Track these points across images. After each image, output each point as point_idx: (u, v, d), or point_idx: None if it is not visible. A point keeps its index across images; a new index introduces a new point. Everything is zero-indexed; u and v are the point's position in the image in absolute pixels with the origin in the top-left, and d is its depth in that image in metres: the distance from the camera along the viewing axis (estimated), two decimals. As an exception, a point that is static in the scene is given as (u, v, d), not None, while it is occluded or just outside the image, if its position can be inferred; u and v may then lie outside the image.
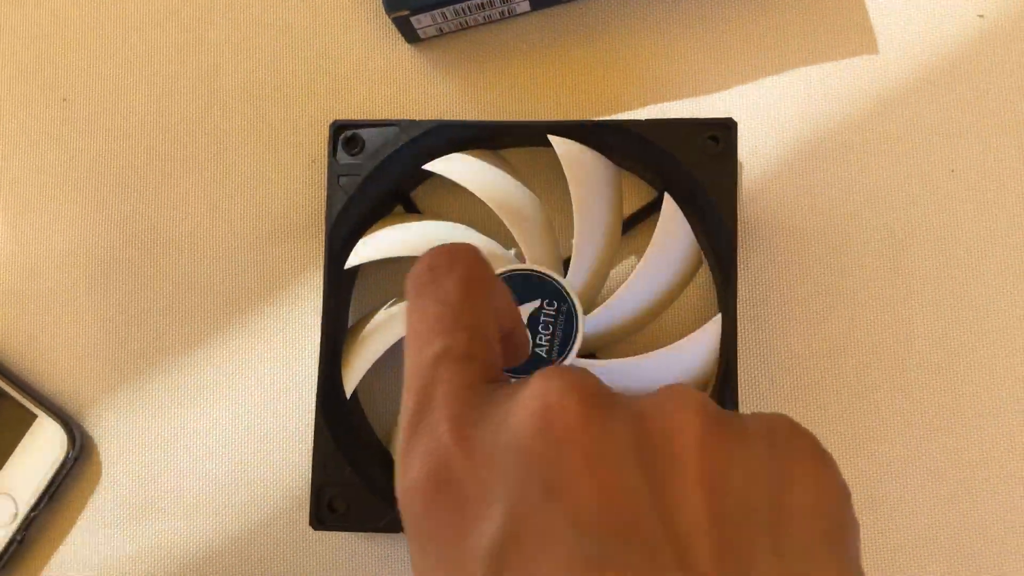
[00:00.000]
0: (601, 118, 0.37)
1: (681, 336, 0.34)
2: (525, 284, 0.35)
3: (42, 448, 0.37)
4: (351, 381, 0.35)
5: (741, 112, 0.38)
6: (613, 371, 0.34)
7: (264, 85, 0.39)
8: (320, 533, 0.37)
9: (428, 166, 0.36)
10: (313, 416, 0.35)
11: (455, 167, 0.36)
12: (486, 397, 0.21)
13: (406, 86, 0.39)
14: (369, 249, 0.36)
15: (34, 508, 0.37)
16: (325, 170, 0.38)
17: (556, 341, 0.34)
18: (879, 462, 0.36)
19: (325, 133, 0.37)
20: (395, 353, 0.34)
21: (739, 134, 0.35)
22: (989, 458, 0.36)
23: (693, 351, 0.34)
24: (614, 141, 0.36)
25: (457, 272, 0.24)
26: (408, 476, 0.21)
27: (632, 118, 0.37)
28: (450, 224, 0.36)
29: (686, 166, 0.35)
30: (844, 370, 0.37)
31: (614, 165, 0.36)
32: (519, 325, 0.26)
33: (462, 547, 0.19)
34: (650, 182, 0.37)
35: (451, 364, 0.22)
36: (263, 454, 0.38)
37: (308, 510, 0.34)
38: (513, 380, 0.23)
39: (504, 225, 0.35)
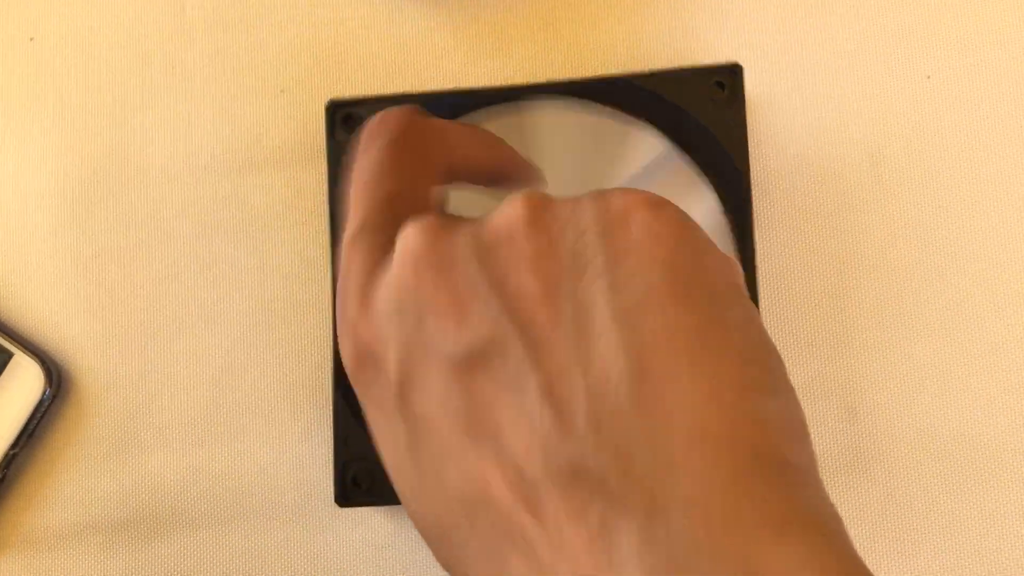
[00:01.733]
0: (599, 72, 0.36)
1: None
2: None
3: (19, 386, 0.37)
4: None
5: (734, 44, 0.37)
6: None
7: (230, 16, 0.39)
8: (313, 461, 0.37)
9: None
10: (329, 378, 0.35)
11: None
12: (387, 263, 0.23)
13: (376, 14, 0.38)
14: None
15: (13, 446, 0.37)
16: (298, 98, 0.37)
17: None
18: (859, 368, 0.36)
19: (293, 62, 0.37)
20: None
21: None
22: (974, 363, 0.36)
23: None
24: (616, 96, 0.35)
25: (382, 136, 0.24)
26: (343, 357, 0.23)
27: (629, 67, 0.36)
28: None
29: (693, 115, 0.34)
30: (827, 278, 0.36)
31: (616, 122, 0.35)
32: (505, 162, 0.27)
33: (385, 397, 0.21)
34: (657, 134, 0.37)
35: (361, 242, 0.23)
36: (250, 388, 0.37)
37: (332, 484, 0.34)
38: None
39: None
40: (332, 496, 0.37)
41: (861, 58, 0.37)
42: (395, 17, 0.38)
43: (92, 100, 0.39)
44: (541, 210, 0.20)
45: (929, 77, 0.37)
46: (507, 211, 0.21)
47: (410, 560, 0.36)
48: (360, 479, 0.34)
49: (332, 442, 0.36)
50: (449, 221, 0.22)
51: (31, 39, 0.39)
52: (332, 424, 0.34)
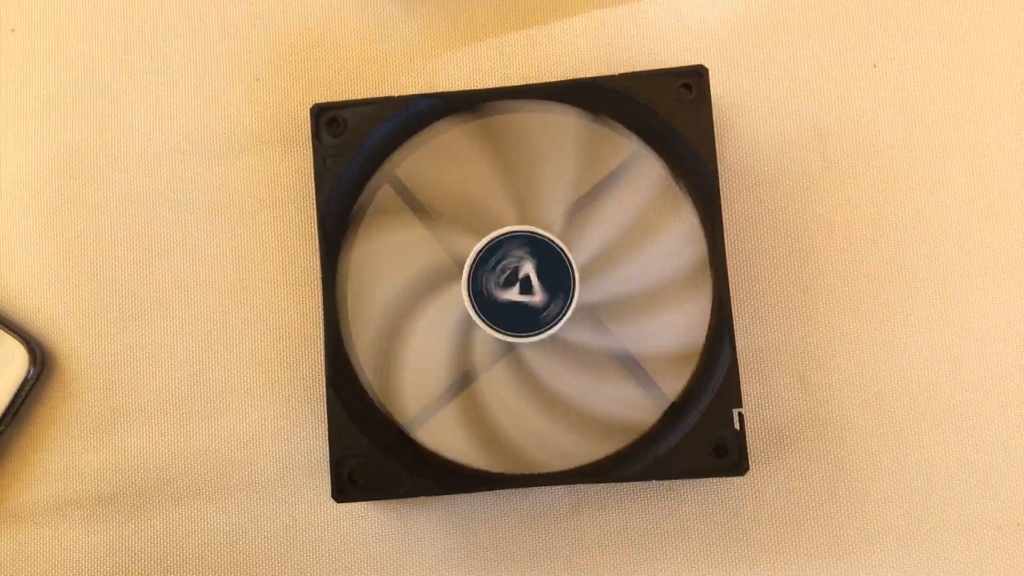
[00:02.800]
0: (570, 75, 0.38)
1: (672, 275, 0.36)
2: (521, 246, 0.35)
3: (4, 367, 0.38)
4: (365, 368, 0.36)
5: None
6: (613, 317, 0.36)
7: (207, 2, 0.40)
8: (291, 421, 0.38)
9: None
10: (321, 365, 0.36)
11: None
12: None
13: (351, 7, 0.40)
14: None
15: (-1, 424, 0.38)
16: (273, 85, 0.39)
17: (555, 299, 0.35)
18: (811, 339, 0.38)
19: (269, 51, 0.38)
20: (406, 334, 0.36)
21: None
22: (917, 333, 0.38)
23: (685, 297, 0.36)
24: (587, 98, 0.37)
25: None
26: None
27: (597, 71, 0.38)
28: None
29: (662, 116, 0.36)
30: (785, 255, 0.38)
31: (588, 123, 0.37)
32: None
33: None
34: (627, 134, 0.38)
35: None
36: (229, 366, 0.39)
37: (329, 481, 0.35)
38: None
39: (496, 191, 0.36)
40: (310, 467, 0.38)
41: (813, 50, 0.39)
42: (368, 11, 0.40)
43: (73, 88, 0.40)
44: None
45: (875, 66, 0.39)
46: None
47: (385, 528, 0.38)
48: (356, 475, 0.35)
49: (310, 418, 0.38)
50: None
51: (12, 30, 0.40)
52: (326, 420, 0.35)
